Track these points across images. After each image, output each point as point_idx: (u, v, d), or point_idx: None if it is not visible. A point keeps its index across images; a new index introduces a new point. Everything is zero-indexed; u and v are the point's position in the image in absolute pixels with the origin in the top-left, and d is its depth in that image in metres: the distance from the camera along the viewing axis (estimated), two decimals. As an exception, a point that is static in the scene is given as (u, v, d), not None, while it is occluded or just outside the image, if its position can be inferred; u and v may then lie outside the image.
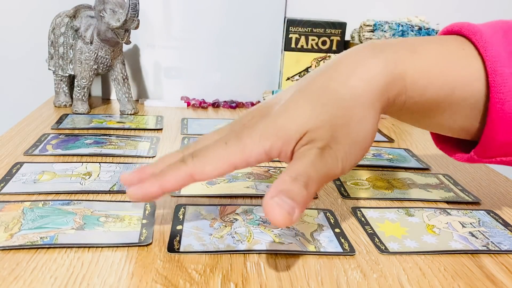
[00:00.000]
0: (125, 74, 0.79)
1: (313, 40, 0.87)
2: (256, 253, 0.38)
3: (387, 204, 0.49)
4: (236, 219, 0.43)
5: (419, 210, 0.48)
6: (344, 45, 0.89)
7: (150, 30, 0.86)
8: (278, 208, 0.30)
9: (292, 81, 0.89)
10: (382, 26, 0.82)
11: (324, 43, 0.88)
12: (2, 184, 0.48)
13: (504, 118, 0.36)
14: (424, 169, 0.61)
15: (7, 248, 0.36)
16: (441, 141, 0.45)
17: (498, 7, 1.00)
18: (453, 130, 0.41)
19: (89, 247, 0.37)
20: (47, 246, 0.37)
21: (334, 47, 0.88)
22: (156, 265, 0.36)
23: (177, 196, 0.48)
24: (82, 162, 0.55)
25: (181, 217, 0.43)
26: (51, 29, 0.78)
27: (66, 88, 0.81)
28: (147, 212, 0.44)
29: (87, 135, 0.65)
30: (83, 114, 0.76)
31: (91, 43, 0.74)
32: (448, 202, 0.50)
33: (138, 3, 0.69)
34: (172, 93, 0.89)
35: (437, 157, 0.66)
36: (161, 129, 0.71)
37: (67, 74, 0.79)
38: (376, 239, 0.41)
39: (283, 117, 0.35)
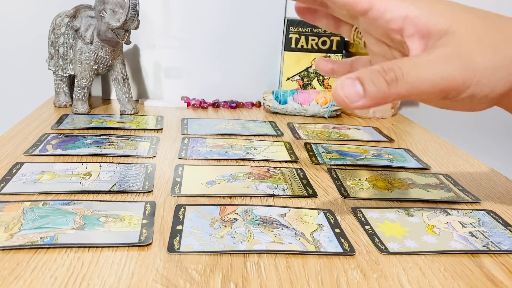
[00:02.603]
0: (125, 74, 0.79)
1: (313, 40, 0.88)
2: (256, 253, 0.38)
3: (387, 204, 0.49)
4: (236, 219, 0.43)
5: (419, 210, 0.48)
6: (344, 45, 0.89)
7: (150, 30, 0.86)
8: (338, 87, 0.31)
9: (292, 81, 0.89)
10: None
11: (324, 43, 0.88)
12: (2, 184, 0.48)
13: None
14: (424, 169, 0.61)
15: (7, 248, 0.36)
16: None
17: (497, 7, 1.00)
18: None
19: (89, 247, 0.37)
20: (47, 246, 0.37)
21: (334, 47, 0.88)
22: (156, 265, 0.36)
23: (177, 196, 0.48)
24: (82, 162, 0.55)
25: (181, 217, 0.43)
26: (51, 29, 0.78)
27: (66, 88, 0.81)
28: (147, 212, 0.44)
29: (87, 135, 0.65)
30: (83, 114, 0.76)
31: (91, 43, 0.74)
32: (448, 202, 0.50)
33: (138, 3, 0.69)
34: (172, 93, 0.89)
35: (437, 157, 0.66)
36: (161, 129, 0.71)
37: (67, 74, 0.79)
38: (376, 239, 0.41)
39: (441, 8, 0.35)
